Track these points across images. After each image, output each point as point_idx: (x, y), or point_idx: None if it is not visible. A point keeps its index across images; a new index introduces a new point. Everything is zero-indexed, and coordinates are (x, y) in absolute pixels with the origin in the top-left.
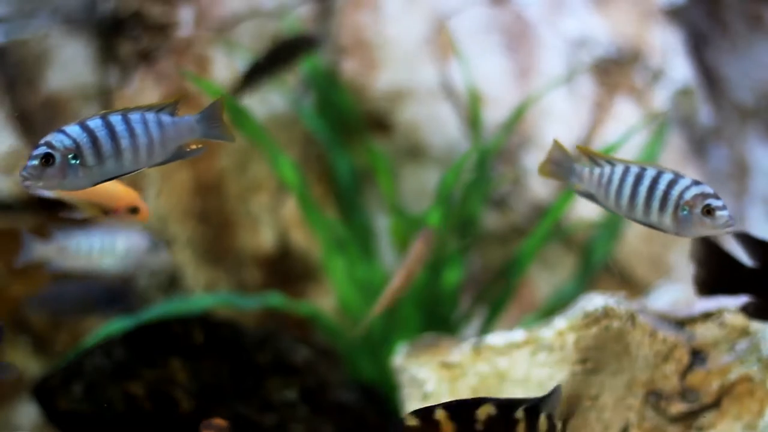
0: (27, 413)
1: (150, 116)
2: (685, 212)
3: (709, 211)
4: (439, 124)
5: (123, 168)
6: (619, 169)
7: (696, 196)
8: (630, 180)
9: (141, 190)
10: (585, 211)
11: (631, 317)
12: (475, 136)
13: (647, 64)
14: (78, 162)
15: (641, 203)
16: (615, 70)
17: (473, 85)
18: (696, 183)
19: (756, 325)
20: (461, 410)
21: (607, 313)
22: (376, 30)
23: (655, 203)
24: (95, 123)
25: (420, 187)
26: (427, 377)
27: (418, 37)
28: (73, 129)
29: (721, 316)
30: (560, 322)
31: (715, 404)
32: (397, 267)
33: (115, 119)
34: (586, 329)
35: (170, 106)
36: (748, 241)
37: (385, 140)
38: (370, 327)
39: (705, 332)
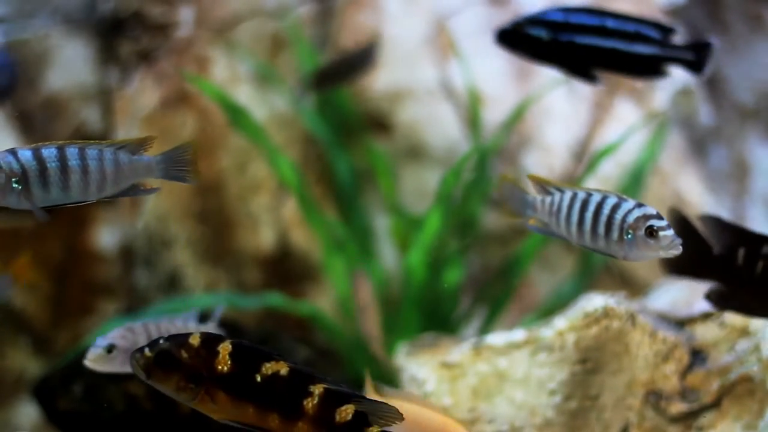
0: (27, 413)
1: (107, 153)
2: (630, 236)
3: (652, 233)
4: (439, 124)
5: (69, 198)
6: (567, 196)
7: (638, 219)
8: (577, 206)
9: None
10: None
11: (631, 317)
12: (475, 136)
13: None
14: (20, 187)
15: (588, 230)
16: None
17: (473, 85)
18: (639, 205)
19: (756, 325)
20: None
21: (607, 313)
22: (377, 30)
23: (601, 229)
24: (49, 153)
25: (420, 187)
26: (427, 377)
27: (418, 37)
28: (25, 154)
29: (721, 316)
30: (560, 322)
31: (715, 404)
32: None
33: (71, 152)
34: (586, 329)
35: (137, 144)
36: (715, 225)
37: (385, 140)
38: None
39: (705, 332)
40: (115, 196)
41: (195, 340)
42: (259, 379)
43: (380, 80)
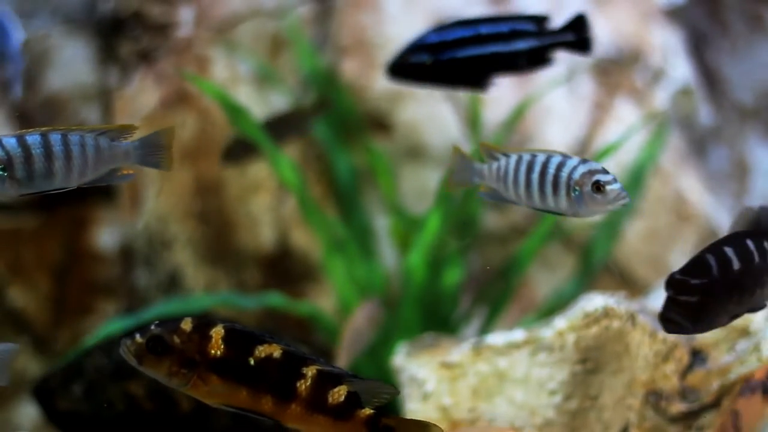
0: (27, 413)
1: (89, 139)
2: (577, 192)
3: (598, 187)
4: (439, 124)
5: (52, 185)
6: (512, 160)
7: (584, 175)
8: (523, 169)
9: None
10: None
11: (631, 317)
12: (475, 136)
13: (647, 64)
14: (6, 174)
15: (536, 190)
16: (615, 70)
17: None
18: (583, 162)
19: (756, 325)
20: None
21: (607, 313)
22: (376, 30)
23: (548, 188)
24: (33, 139)
25: (420, 187)
26: (427, 377)
27: None
28: (10, 141)
29: None
30: (560, 322)
31: (715, 404)
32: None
33: (55, 138)
34: (586, 329)
35: (116, 131)
36: None
37: (385, 140)
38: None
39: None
40: (93, 182)
41: (187, 325)
42: (252, 362)
43: (381, 80)
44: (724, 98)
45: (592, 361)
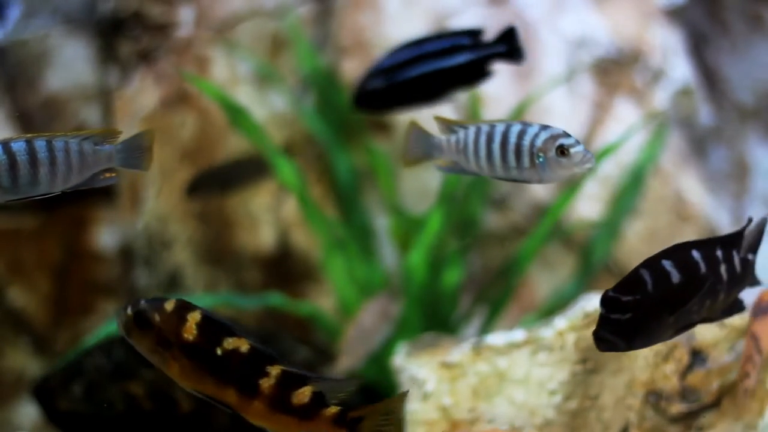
0: (27, 413)
1: (72, 144)
2: (541, 159)
3: (563, 151)
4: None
5: (37, 191)
6: (471, 132)
7: (546, 141)
8: (483, 139)
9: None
10: (585, 211)
11: None
12: None
13: (647, 64)
14: None
15: (498, 160)
16: (615, 70)
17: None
18: (544, 128)
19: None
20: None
21: None
22: (376, 30)
23: (511, 157)
24: (18, 146)
25: (420, 187)
26: (427, 377)
27: None
28: None
29: None
30: (560, 322)
31: (715, 404)
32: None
33: (40, 145)
34: (586, 329)
35: (100, 136)
36: None
37: (385, 140)
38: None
39: (705, 332)
40: (77, 186)
41: (170, 306)
42: (219, 352)
43: None
44: (724, 98)
45: (592, 361)
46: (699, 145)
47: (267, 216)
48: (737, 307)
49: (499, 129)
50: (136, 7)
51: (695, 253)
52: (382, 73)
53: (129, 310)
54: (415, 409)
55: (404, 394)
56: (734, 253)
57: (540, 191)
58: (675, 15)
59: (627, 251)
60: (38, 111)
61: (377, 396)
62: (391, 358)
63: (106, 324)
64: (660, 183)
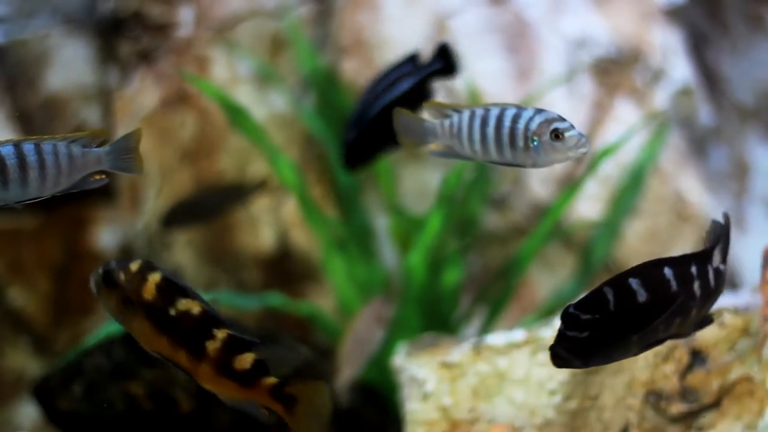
0: (27, 413)
1: (61, 147)
2: (536, 143)
3: (557, 135)
4: None
5: (27, 195)
6: (465, 116)
7: (541, 124)
8: (477, 123)
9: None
10: (585, 211)
11: None
12: None
13: (647, 64)
14: None
15: (492, 144)
16: (615, 70)
17: (473, 84)
18: (539, 111)
19: (756, 325)
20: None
21: None
22: (376, 30)
23: (505, 141)
24: (6, 150)
25: (420, 187)
26: (427, 377)
27: (418, 37)
28: None
29: (721, 316)
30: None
31: (715, 404)
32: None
33: (28, 148)
34: None
35: (88, 138)
36: None
37: None
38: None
39: (705, 332)
40: (67, 190)
41: (135, 266)
42: (173, 313)
43: None
44: (724, 98)
45: None
46: (699, 145)
47: (267, 216)
48: (707, 321)
49: (494, 113)
50: (136, 7)
51: (667, 271)
52: (350, 126)
53: (100, 270)
54: (415, 409)
55: (323, 383)
56: (709, 267)
57: (540, 191)
58: (675, 15)
59: (627, 251)
60: (38, 111)
61: (377, 396)
62: (391, 358)
63: (106, 324)
64: (660, 183)
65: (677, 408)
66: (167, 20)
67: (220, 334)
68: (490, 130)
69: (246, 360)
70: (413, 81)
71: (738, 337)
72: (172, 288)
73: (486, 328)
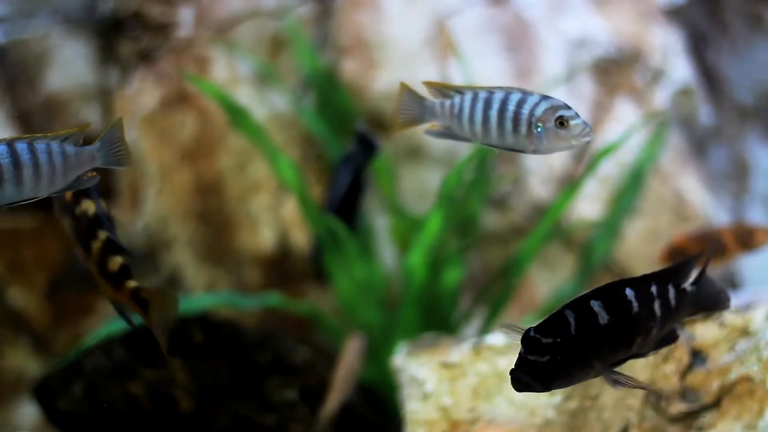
0: (27, 413)
1: (55, 146)
2: (539, 129)
3: (562, 123)
4: None
5: (22, 195)
6: (468, 97)
7: (546, 111)
8: (480, 105)
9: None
10: (585, 211)
11: None
12: None
13: (647, 64)
14: None
15: (494, 127)
16: (615, 70)
17: (473, 85)
18: (545, 98)
19: (756, 325)
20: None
21: None
22: (376, 30)
23: (508, 125)
24: (1, 150)
25: (420, 187)
26: (427, 377)
27: (418, 37)
28: None
29: (721, 316)
30: None
31: (715, 404)
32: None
33: (21, 147)
34: None
35: (76, 135)
36: None
37: (385, 140)
38: (371, 326)
39: (705, 332)
40: (63, 190)
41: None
42: (76, 212)
43: (380, 80)
44: (724, 98)
45: None
46: (699, 145)
47: (267, 216)
48: (671, 337)
49: (498, 96)
50: (136, 7)
51: (629, 292)
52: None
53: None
54: (415, 408)
55: (173, 291)
56: (670, 287)
57: (540, 191)
58: (675, 15)
59: (627, 251)
60: (38, 111)
61: (377, 396)
62: (391, 358)
63: (106, 324)
64: (660, 183)
65: (677, 408)
66: (167, 20)
67: (102, 235)
68: (493, 113)
69: (115, 262)
70: (356, 166)
71: (738, 337)
72: (83, 192)
73: (486, 328)
